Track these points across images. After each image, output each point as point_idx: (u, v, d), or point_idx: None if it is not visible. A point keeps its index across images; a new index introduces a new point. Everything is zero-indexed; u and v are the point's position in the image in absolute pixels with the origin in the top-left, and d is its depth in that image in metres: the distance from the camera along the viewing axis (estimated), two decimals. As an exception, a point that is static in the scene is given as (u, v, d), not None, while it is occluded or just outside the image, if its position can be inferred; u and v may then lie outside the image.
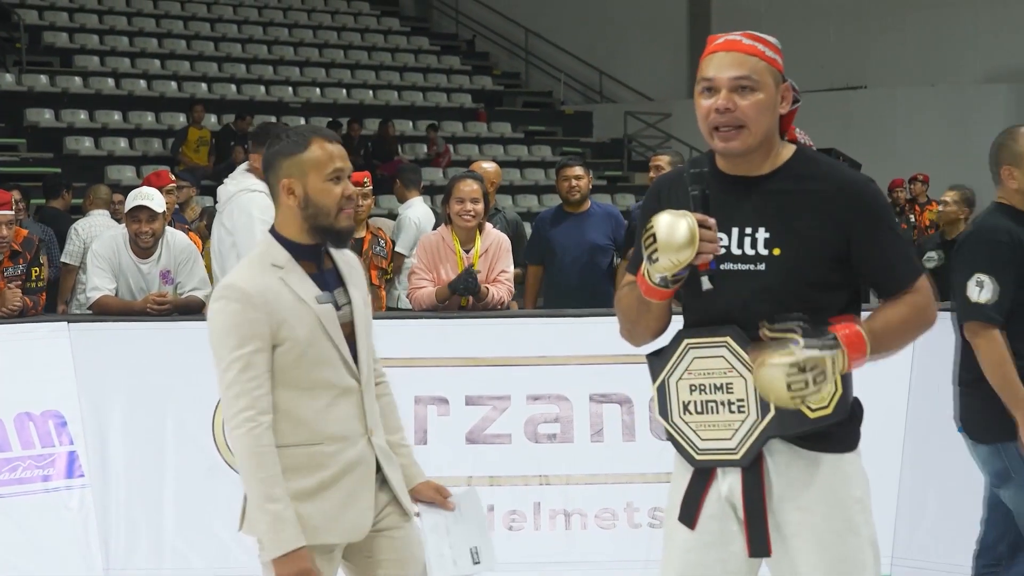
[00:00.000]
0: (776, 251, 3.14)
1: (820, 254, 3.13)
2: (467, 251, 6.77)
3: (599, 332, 6.18)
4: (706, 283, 3.16)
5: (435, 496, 3.80)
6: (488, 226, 6.92)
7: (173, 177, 8.68)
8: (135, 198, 6.86)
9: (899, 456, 6.21)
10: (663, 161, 8.12)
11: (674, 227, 3.06)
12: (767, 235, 3.15)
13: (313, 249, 3.65)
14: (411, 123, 21.08)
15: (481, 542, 3.78)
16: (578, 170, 8.18)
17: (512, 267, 6.99)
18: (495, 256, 6.79)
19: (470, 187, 6.74)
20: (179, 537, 6.26)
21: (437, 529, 3.74)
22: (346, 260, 3.78)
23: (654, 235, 3.08)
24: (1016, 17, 21.32)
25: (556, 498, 6.30)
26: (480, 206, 6.69)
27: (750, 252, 3.16)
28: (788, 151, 3.24)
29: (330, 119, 19.70)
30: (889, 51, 22.02)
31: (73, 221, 10.73)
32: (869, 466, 6.07)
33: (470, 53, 25.28)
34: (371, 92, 21.97)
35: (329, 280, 3.67)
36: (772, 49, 3.20)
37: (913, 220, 15.79)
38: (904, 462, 6.21)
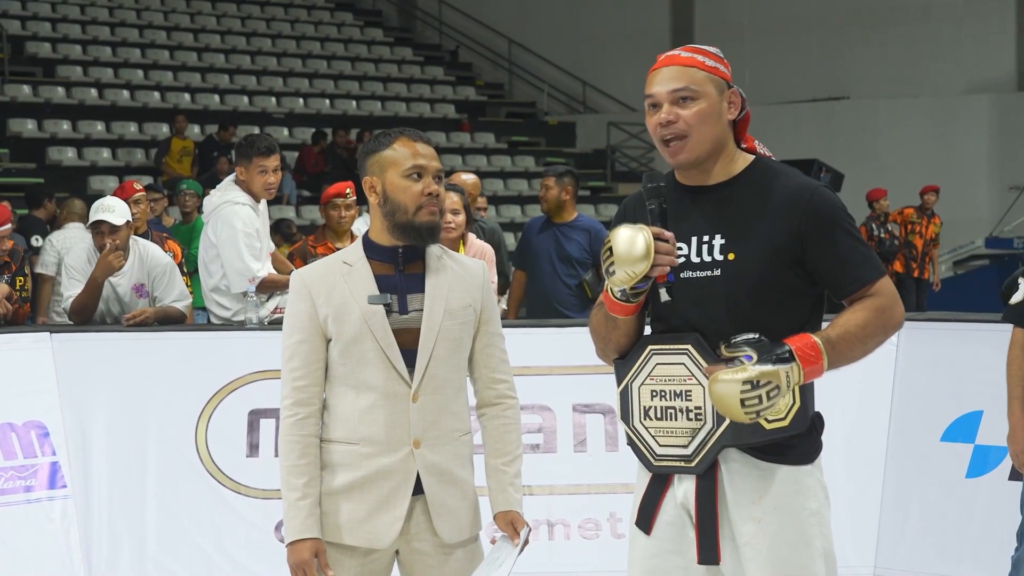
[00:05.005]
0: (731, 256, 3.19)
1: (773, 257, 3.17)
2: (450, 262, 6.76)
3: (582, 342, 6.13)
4: (664, 295, 3.20)
5: (506, 528, 3.71)
6: (471, 236, 6.92)
7: (139, 187, 8.59)
8: (96, 211, 6.78)
9: (882, 465, 6.22)
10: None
11: (629, 240, 3.12)
12: (722, 241, 3.20)
13: (390, 250, 3.58)
14: (394, 134, 21.08)
15: None
16: (548, 180, 8.39)
17: (496, 277, 6.99)
18: (478, 267, 6.78)
19: (450, 199, 6.72)
20: (161, 547, 6.24)
21: (490, 562, 3.64)
22: (455, 270, 3.64)
23: (611, 248, 3.14)
24: (997, 29, 21.42)
25: (539, 508, 6.28)
26: (461, 217, 6.67)
27: (707, 259, 3.21)
28: (745, 161, 3.29)
29: (314, 129, 19.70)
30: (872, 63, 22.09)
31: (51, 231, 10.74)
32: (852, 475, 6.14)
33: (453, 64, 25.29)
34: (354, 102, 21.96)
35: (404, 284, 3.57)
36: (713, 59, 3.25)
37: (891, 229, 15.81)
38: (887, 471, 6.22)
